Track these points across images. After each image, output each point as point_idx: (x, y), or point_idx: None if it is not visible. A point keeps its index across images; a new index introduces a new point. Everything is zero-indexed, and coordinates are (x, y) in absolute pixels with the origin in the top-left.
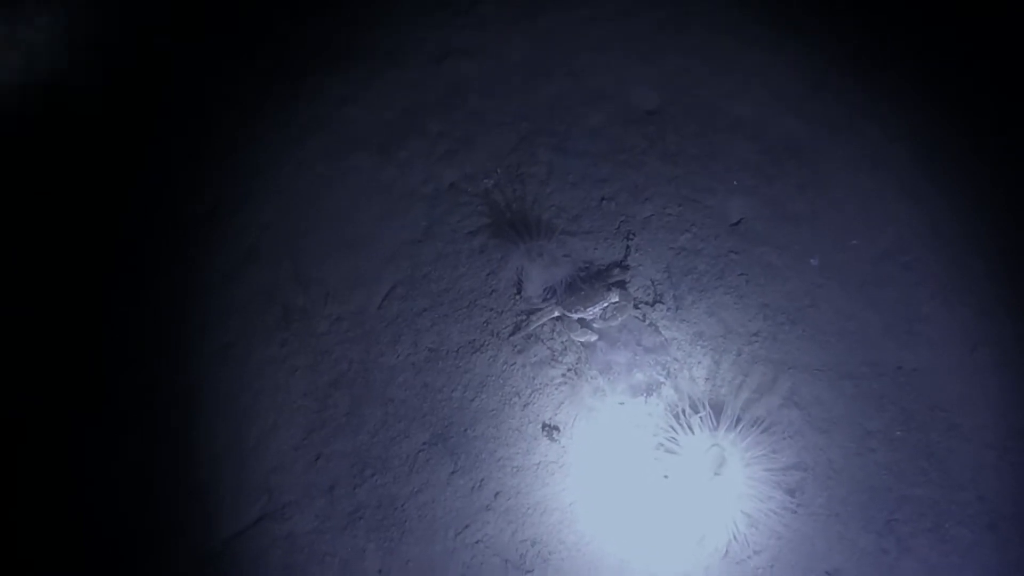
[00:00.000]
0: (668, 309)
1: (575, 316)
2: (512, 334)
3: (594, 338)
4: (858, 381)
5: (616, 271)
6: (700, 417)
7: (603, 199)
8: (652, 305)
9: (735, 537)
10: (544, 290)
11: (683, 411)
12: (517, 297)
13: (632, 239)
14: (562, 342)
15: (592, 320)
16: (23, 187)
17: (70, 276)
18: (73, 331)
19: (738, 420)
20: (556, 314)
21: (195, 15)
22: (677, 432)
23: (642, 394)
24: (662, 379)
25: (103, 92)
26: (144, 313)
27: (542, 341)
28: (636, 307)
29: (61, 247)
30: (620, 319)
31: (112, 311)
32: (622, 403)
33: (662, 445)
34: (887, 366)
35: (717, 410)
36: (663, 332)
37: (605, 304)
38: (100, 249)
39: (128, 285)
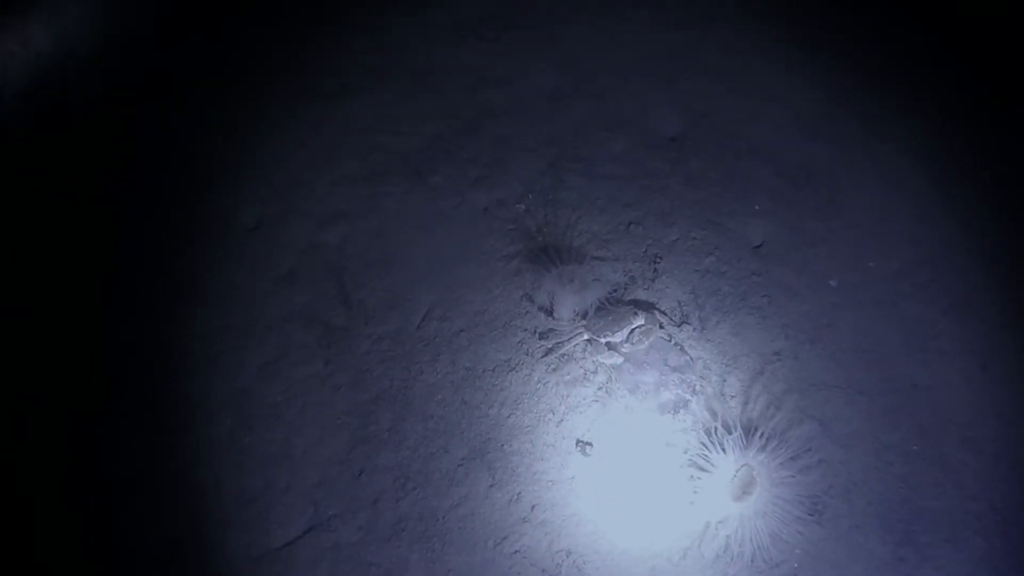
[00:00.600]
0: (694, 330)
1: (603, 339)
2: (545, 355)
3: (620, 360)
4: (875, 397)
5: (643, 294)
6: (732, 438)
7: (630, 223)
8: (679, 326)
9: (760, 548)
10: (575, 313)
11: (715, 430)
12: (549, 320)
13: (659, 262)
14: (593, 362)
15: (619, 343)
16: (54, 202)
17: (112, 285)
18: (119, 342)
19: (767, 440)
20: (585, 337)
21: (225, 36)
22: (709, 450)
23: (670, 411)
24: (689, 397)
25: (139, 101)
26: (191, 326)
27: (575, 360)
28: (662, 327)
29: (101, 260)
30: (647, 342)
31: (156, 323)
32: (652, 420)
33: (694, 463)
34: (902, 382)
35: (746, 428)
36: (689, 352)
37: (631, 327)
38: (147, 260)
39: (173, 298)
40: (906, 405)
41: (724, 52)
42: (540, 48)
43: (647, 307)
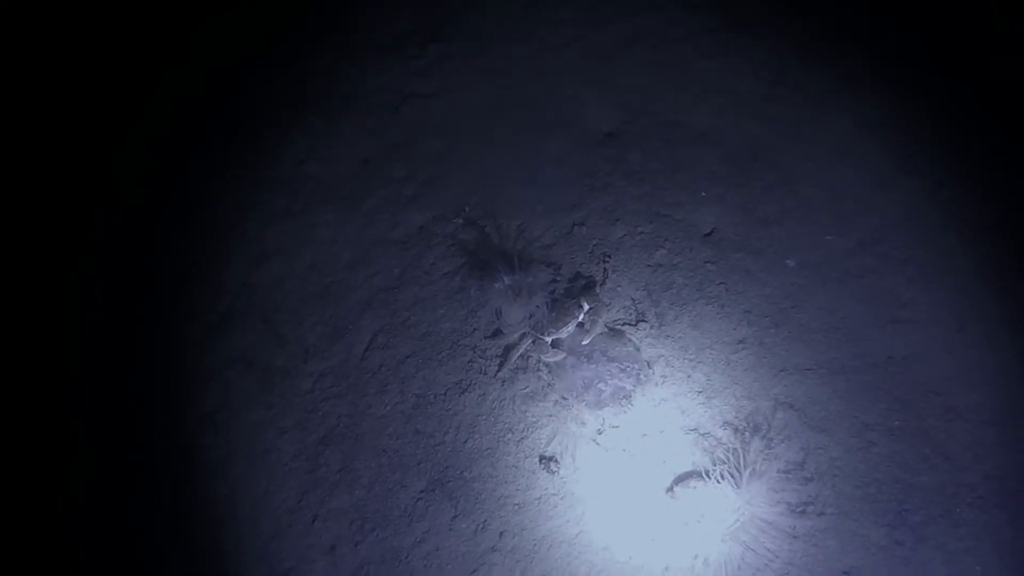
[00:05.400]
0: (651, 327)
1: (547, 337)
2: (498, 370)
3: (562, 356)
4: (849, 375)
5: (583, 282)
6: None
7: (575, 225)
8: (635, 325)
9: (748, 548)
10: (521, 320)
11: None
12: (497, 331)
13: (608, 261)
14: (538, 363)
15: (564, 339)
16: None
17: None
18: (45, 404)
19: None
20: (531, 340)
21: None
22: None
23: (608, 405)
24: (631, 388)
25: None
26: (125, 385)
27: (530, 371)
28: (620, 326)
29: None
30: (600, 323)
31: (85, 381)
32: (604, 428)
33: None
34: (877, 357)
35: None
36: (647, 350)
37: (579, 317)
38: (68, 318)
39: (101, 355)
40: (882, 380)
41: (656, 44)
42: (467, 60)
43: (588, 290)
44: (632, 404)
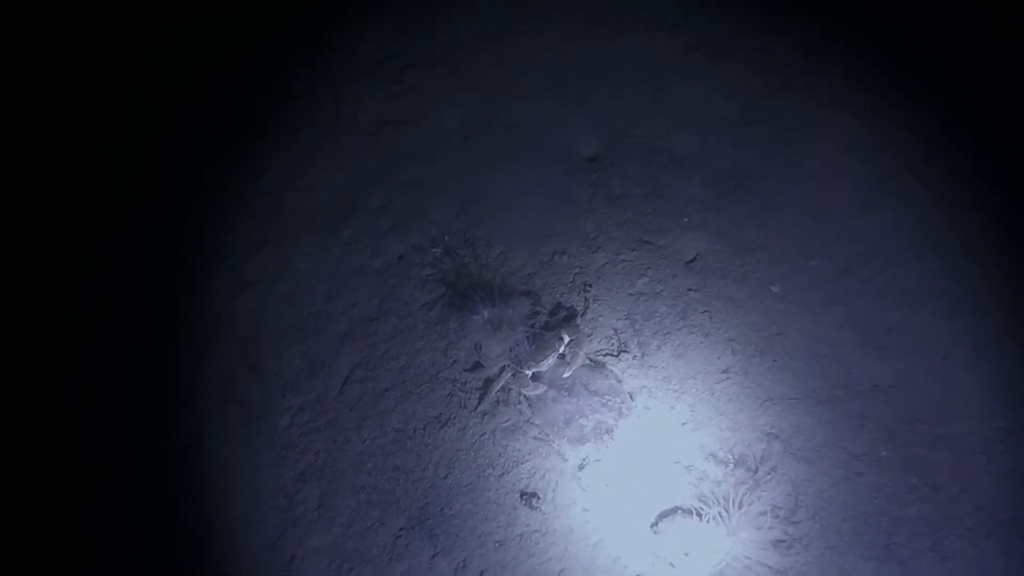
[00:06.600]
0: (634, 357)
1: (528, 371)
2: (479, 403)
3: (543, 389)
4: (835, 405)
5: (564, 312)
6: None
7: (555, 253)
8: (617, 356)
9: None
10: (501, 353)
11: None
12: (477, 365)
13: (589, 290)
14: (519, 396)
15: (547, 371)
16: None
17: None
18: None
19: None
20: (511, 374)
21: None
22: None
23: (589, 441)
24: (612, 422)
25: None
26: (94, 416)
27: (510, 405)
28: (602, 357)
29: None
30: (581, 355)
31: (57, 413)
32: (586, 463)
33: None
34: (862, 385)
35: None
36: (630, 381)
37: (560, 349)
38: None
39: (76, 385)
40: (868, 409)
41: (636, 66)
42: (446, 83)
43: (568, 322)
44: (614, 438)
